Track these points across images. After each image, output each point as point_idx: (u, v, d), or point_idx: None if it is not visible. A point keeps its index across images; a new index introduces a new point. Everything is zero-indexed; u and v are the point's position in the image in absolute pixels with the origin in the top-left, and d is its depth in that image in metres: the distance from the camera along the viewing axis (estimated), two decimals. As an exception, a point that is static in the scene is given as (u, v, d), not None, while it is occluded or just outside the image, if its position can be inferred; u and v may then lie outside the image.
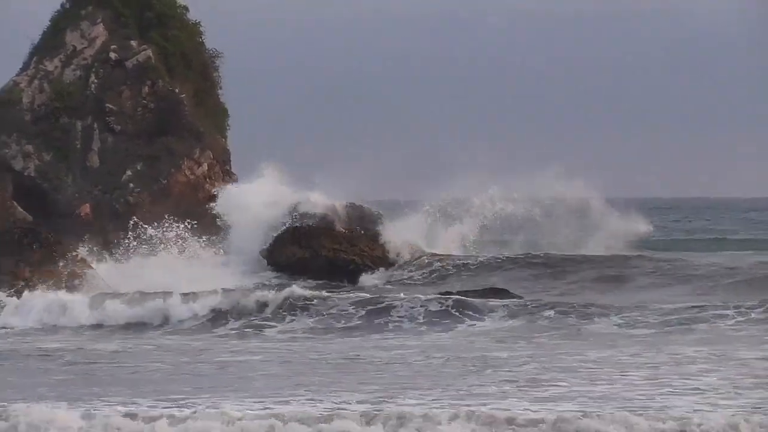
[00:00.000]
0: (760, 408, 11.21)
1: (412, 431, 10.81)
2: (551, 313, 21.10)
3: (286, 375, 15.71)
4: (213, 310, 22.32)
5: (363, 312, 21.99)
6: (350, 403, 12.14)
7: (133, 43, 34.59)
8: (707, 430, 10.14)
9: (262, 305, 22.36)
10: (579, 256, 32.02)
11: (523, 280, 29.23)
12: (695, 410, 11.18)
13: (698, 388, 12.80)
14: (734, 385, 13.25)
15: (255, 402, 12.39)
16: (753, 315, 20.09)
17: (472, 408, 11.10)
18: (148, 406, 12.22)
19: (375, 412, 11.31)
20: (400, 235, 31.81)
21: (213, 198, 33.20)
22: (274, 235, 30.85)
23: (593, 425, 10.13)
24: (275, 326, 21.67)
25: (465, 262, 32.39)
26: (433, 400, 12.28)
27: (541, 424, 10.18)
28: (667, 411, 11.12)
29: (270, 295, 22.86)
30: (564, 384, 13.32)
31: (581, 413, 10.59)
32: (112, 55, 34.20)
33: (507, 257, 32.47)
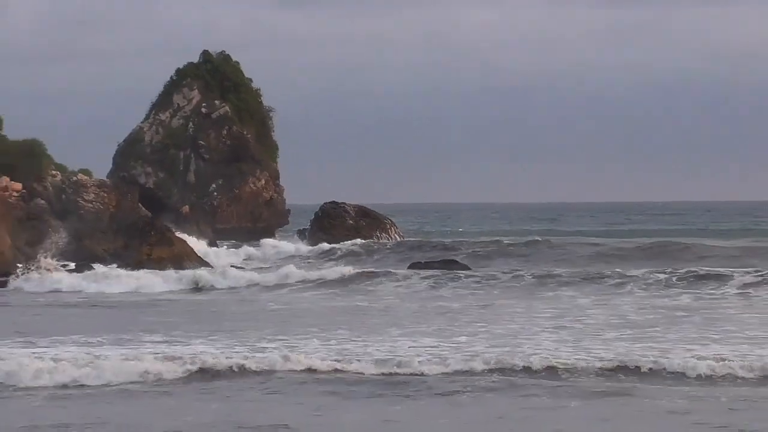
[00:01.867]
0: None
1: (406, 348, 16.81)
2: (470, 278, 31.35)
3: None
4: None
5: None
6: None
7: (217, 102, 49.29)
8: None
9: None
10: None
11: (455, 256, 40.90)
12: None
13: (563, 327, 19.66)
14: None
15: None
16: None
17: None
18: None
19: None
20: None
21: (268, 202, 47.58)
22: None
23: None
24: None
25: (424, 241, 46.60)
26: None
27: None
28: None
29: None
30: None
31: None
32: (203, 109, 49.00)
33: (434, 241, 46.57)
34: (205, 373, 15.35)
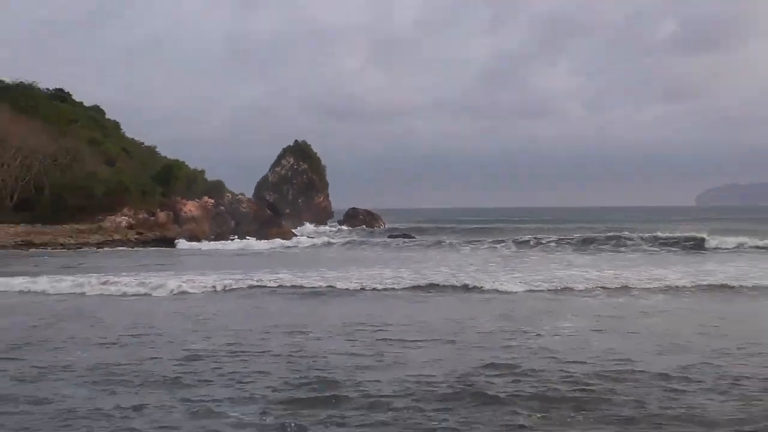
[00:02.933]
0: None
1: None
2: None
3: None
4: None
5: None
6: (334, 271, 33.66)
7: (301, 163, 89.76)
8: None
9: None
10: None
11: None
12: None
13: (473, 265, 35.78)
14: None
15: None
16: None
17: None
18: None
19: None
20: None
21: (324, 208, 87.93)
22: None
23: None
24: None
25: (395, 227, 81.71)
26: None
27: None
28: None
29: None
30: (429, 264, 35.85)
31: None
32: (295, 166, 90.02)
33: (402, 227, 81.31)
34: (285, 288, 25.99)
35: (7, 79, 73.10)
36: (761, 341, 16.19)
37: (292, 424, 9.91)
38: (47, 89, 76.57)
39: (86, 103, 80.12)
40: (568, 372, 12.90)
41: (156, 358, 14.41)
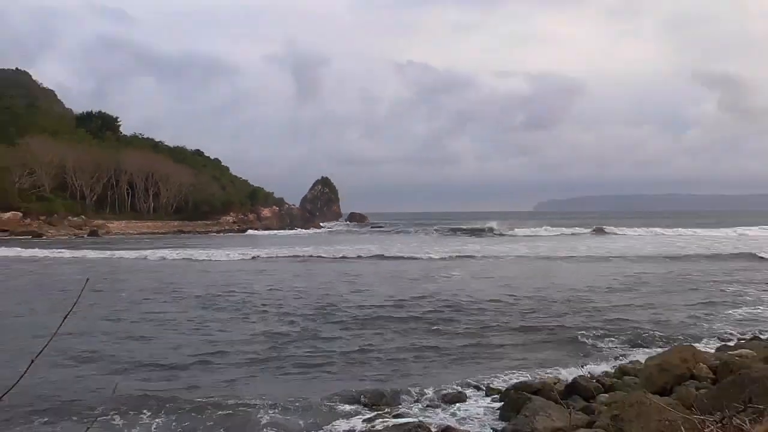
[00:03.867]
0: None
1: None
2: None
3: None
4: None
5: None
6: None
7: (326, 188, 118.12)
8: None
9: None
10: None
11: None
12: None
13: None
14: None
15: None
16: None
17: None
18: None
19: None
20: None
21: (337, 212, 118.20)
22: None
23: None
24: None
25: (372, 221, 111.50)
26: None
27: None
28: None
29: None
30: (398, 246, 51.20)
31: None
32: (322, 189, 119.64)
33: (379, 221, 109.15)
34: (306, 259, 38.05)
35: (168, 143, 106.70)
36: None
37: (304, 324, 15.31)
38: (191, 149, 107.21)
39: (211, 156, 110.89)
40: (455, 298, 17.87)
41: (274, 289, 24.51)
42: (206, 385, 10.50)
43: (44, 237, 68.37)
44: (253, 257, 38.98)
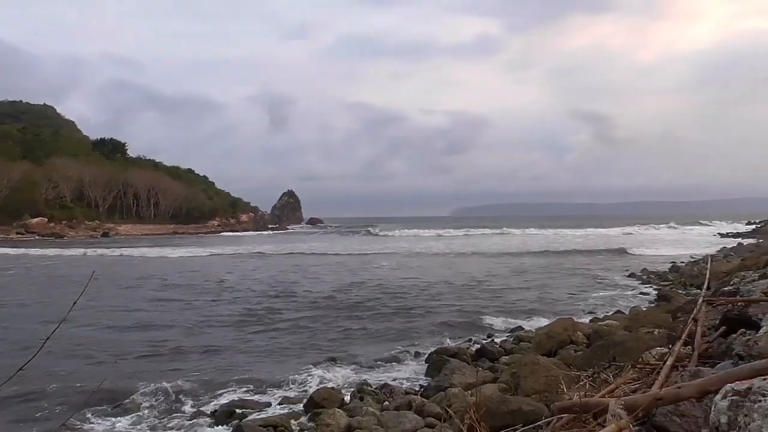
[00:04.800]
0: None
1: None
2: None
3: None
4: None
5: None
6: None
7: (291, 198, 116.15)
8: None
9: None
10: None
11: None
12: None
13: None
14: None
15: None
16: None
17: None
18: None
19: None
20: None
21: (301, 218, 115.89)
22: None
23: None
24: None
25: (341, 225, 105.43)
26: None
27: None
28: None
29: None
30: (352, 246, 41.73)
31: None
32: (288, 199, 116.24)
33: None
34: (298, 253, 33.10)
35: (166, 163, 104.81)
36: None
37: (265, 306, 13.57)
38: (185, 167, 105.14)
39: (200, 173, 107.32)
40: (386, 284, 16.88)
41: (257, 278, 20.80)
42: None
43: (65, 237, 67.76)
44: (232, 254, 37.28)
